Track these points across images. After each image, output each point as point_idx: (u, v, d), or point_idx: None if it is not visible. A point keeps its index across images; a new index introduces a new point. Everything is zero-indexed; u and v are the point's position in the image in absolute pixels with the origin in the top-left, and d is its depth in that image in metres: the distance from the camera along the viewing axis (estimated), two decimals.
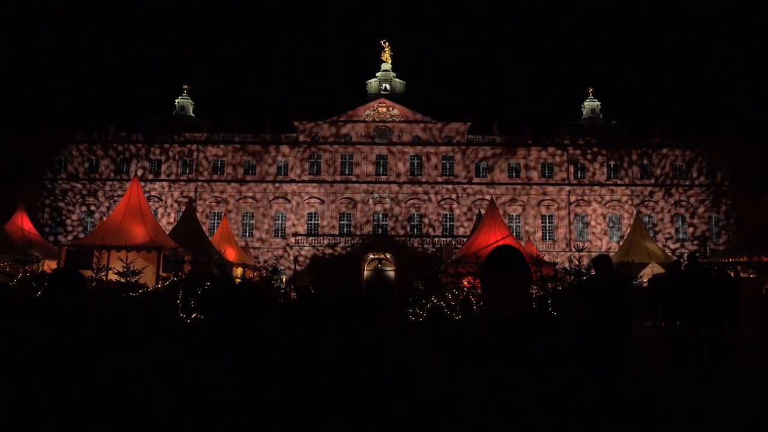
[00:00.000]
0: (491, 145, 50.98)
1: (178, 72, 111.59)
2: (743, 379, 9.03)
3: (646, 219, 48.09)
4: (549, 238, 49.63)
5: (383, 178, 50.58)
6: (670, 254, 39.09)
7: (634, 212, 43.99)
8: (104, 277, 15.04)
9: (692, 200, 49.79)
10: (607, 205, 50.02)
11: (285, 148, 50.95)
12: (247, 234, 49.29)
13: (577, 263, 15.66)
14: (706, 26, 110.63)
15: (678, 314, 10.32)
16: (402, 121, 51.70)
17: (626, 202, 49.90)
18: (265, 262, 45.74)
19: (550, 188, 50.20)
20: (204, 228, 34.93)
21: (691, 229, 49.44)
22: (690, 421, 6.27)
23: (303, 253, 47.79)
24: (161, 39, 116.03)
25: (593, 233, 49.58)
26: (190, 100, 59.28)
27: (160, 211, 49.06)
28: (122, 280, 13.79)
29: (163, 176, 50.62)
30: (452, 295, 13.94)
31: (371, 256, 48.95)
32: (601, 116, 57.59)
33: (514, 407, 1.83)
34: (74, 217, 50.05)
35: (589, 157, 50.69)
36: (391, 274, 47.28)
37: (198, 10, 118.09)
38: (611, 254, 36.86)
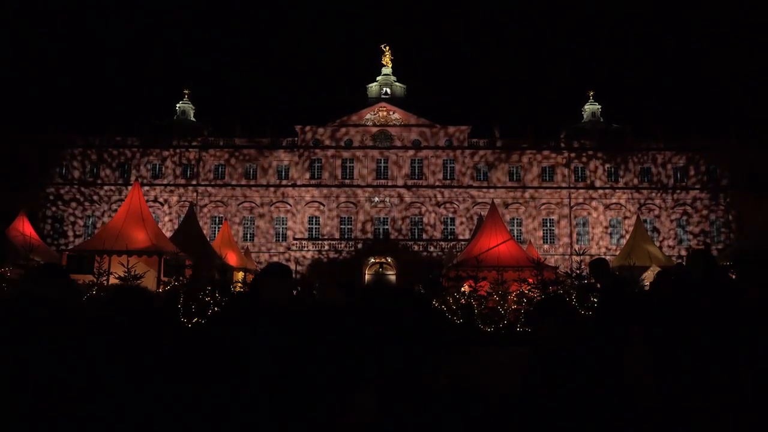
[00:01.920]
0: (492, 149, 51.02)
1: (179, 76, 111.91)
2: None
3: (647, 222, 48.07)
4: (550, 242, 49.62)
5: (384, 182, 50.64)
6: (671, 257, 39.04)
7: (635, 215, 43.96)
8: (105, 282, 15.05)
9: (693, 203, 49.79)
10: (608, 208, 50.02)
11: (286, 153, 51.03)
12: (248, 238, 49.32)
13: (578, 267, 15.64)
14: (706, 28, 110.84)
15: None
16: (402, 124, 51.79)
17: (627, 205, 49.90)
18: None
19: (550, 192, 50.20)
20: (205, 232, 34.94)
21: (692, 232, 49.41)
22: (690, 423, 6.24)
23: (304, 257, 47.84)
24: (162, 43, 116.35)
25: (594, 237, 49.56)
26: (191, 105, 59.38)
27: (161, 215, 49.10)
28: (123, 284, 13.78)
29: (164, 181, 50.68)
30: (453, 299, 13.94)
31: (372, 260, 49.01)
32: (602, 119, 57.64)
33: None
34: (75, 221, 50.08)
35: (589, 160, 50.71)
36: (393, 278, 47.27)
37: (199, 14, 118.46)
38: (612, 257, 36.83)
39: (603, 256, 40.19)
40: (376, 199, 50.23)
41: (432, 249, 47.01)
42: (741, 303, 4.15)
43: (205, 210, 49.81)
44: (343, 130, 51.70)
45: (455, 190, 50.34)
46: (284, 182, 50.66)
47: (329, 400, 3.16)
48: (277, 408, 3.16)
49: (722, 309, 4.12)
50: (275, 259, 48.58)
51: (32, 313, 2.68)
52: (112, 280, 15.05)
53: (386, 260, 48.79)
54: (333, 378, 3.25)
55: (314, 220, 50.34)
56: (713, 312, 4.13)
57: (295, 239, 48.90)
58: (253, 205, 50.29)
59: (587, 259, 31.98)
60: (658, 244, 44.86)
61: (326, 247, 48.30)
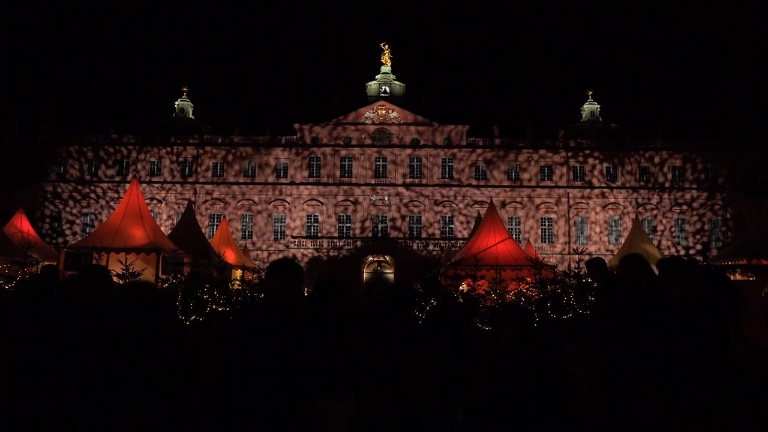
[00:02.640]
0: (491, 148, 51.04)
1: (177, 74, 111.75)
2: (742, 382, 9.00)
3: (645, 221, 48.13)
4: (548, 241, 49.66)
5: (383, 180, 50.64)
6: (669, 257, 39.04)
7: (634, 215, 44.06)
8: None
9: (692, 203, 49.85)
10: (607, 208, 50.06)
11: (284, 151, 51.01)
12: (247, 236, 49.31)
13: (576, 266, 15.65)
14: (706, 28, 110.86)
15: None
16: (401, 123, 51.78)
17: (626, 205, 49.95)
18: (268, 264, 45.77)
19: (549, 191, 50.24)
20: (203, 230, 34.93)
21: (691, 233, 49.48)
22: (688, 424, 6.24)
23: (303, 255, 47.84)
24: (161, 42, 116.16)
25: (592, 236, 49.61)
26: (189, 103, 59.34)
27: (160, 213, 49.08)
28: (121, 282, 13.77)
29: (162, 178, 50.63)
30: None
31: (371, 258, 49.01)
32: (601, 119, 57.68)
33: None
34: (74, 219, 50.04)
35: (588, 160, 50.75)
36: (391, 276, 47.30)
37: (198, 12, 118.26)
38: (610, 257, 36.88)
39: (601, 256, 40.16)
40: (375, 197, 50.23)
41: (430, 247, 47.01)
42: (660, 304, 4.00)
43: (204, 208, 49.78)
44: (342, 128, 51.68)
45: (454, 188, 50.35)
46: (283, 180, 50.64)
47: (311, 406, 3.08)
48: (264, 411, 3.06)
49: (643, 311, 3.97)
50: (274, 257, 48.58)
51: (79, 305, 2.97)
52: None
53: (384, 258, 48.79)
54: (317, 384, 3.16)
55: (313, 218, 50.35)
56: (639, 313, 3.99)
57: (293, 237, 48.88)
58: (252, 203, 50.27)
59: (586, 258, 32.03)
60: (656, 243, 44.95)
61: (325, 246, 48.30)
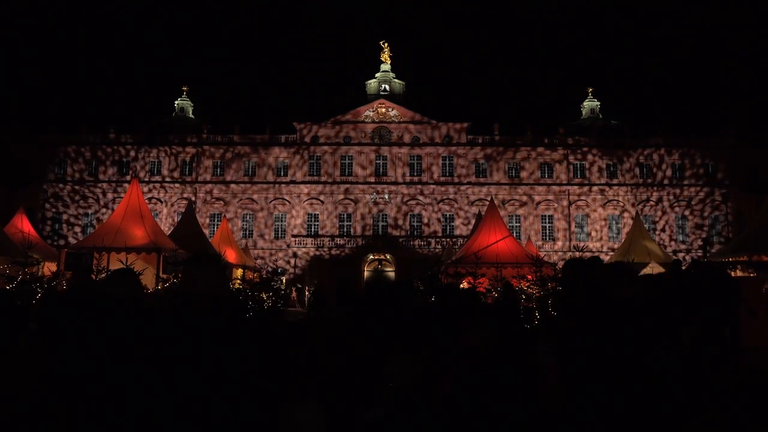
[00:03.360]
0: (491, 146, 51.00)
1: (177, 74, 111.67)
2: (742, 380, 9.03)
3: (646, 218, 48.09)
4: (549, 239, 49.63)
5: (383, 178, 50.61)
6: (670, 254, 39.06)
7: (634, 212, 44.02)
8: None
9: (692, 200, 49.81)
10: (607, 205, 50.03)
11: (284, 150, 50.99)
12: (247, 235, 49.32)
13: None
14: (706, 26, 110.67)
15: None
16: (401, 121, 51.73)
17: (626, 202, 49.91)
18: (273, 263, 45.76)
19: (549, 188, 50.20)
20: (204, 229, 34.93)
21: (691, 229, 49.45)
22: (687, 424, 6.26)
23: (303, 253, 47.84)
24: (161, 41, 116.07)
25: (593, 233, 49.58)
26: (189, 102, 59.30)
27: (160, 212, 49.07)
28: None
29: (162, 178, 50.62)
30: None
31: (371, 256, 49.00)
32: (601, 116, 57.63)
33: None
34: (74, 219, 50.03)
35: (588, 157, 50.71)
36: (391, 274, 47.28)
37: (198, 13, 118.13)
38: (611, 254, 36.86)
39: (601, 253, 40.05)
40: (374, 195, 50.21)
41: (431, 246, 47.00)
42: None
43: (204, 207, 49.77)
44: (342, 127, 51.65)
45: (454, 186, 50.32)
46: (283, 179, 50.61)
47: (275, 414, 2.95)
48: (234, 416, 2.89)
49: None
50: (275, 256, 48.64)
51: (109, 307, 3.06)
52: None
53: (385, 257, 48.79)
54: (279, 390, 3.04)
55: (313, 216, 50.34)
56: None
57: (293, 236, 48.89)
58: (252, 201, 50.26)
59: (587, 255, 31.97)
60: (657, 239, 44.95)
61: (326, 244, 48.30)
